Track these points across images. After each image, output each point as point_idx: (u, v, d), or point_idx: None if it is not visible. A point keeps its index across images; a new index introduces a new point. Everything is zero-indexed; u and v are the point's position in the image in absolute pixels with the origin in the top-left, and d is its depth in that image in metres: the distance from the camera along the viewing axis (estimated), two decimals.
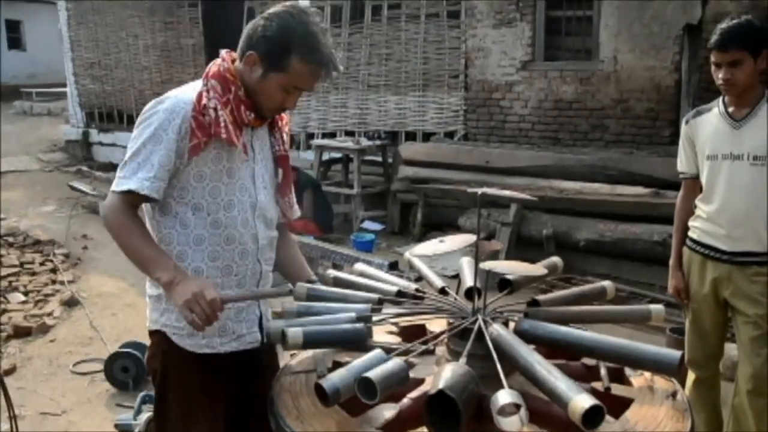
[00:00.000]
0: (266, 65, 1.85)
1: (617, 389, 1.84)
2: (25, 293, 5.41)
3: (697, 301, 2.84)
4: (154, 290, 1.94)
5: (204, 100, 1.83)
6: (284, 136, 2.08)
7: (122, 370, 3.84)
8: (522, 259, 2.36)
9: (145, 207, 1.92)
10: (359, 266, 2.42)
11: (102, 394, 3.87)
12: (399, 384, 1.64)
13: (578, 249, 5.68)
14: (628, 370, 1.94)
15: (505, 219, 6.11)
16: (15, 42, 24.40)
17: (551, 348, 1.88)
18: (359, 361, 1.70)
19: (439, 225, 6.92)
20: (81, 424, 3.56)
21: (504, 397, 1.49)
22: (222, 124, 1.83)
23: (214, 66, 1.91)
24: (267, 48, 1.83)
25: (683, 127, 2.85)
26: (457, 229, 6.67)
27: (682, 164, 2.89)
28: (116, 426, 3.40)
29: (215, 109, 1.83)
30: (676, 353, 1.67)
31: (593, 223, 5.72)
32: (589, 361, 1.92)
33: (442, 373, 1.56)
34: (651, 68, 6.54)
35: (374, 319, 1.99)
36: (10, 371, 4.14)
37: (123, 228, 1.81)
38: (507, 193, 1.92)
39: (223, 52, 1.95)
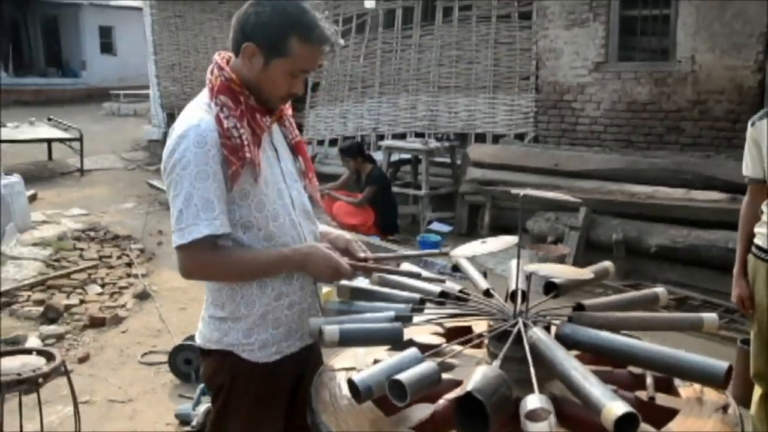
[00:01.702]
0: (267, 53, 1.77)
1: (663, 399, 1.77)
2: (102, 285, 5.65)
3: (763, 312, 2.71)
4: (217, 311, 1.91)
5: (225, 123, 1.76)
6: (291, 120, 2.04)
7: (185, 362, 3.96)
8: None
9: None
10: (405, 266, 2.42)
11: (166, 384, 4.00)
12: (430, 386, 1.62)
13: (649, 255, 5.50)
14: (677, 381, 1.87)
15: (573, 223, 5.98)
16: (107, 47, 25.66)
17: (593, 354, 1.83)
18: (393, 359, 1.70)
19: (506, 228, 6.83)
20: (145, 412, 3.69)
21: (533, 401, 1.46)
22: (246, 145, 1.77)
23: (214, 78, 1.83)
24: (264, 35, 1.76)
25: (749, 129, 2.73)
26: (524, 232, 6.58)
27: (747, 168, 2.77)
28: (176, 416, 3.51)
29: (236, 128, 1.77)
30: (723, 364, 1.60)
31: (665, 228, 5.52)
32: (637, 370, 1.86)
33: (473, 376, 1.55)
34: (732, 68, 6.27)
35: (414, 319, 1.99)
36: (84, 359, 4.34)
37: (223, 266, 1.82)
38: (549, 194, 1.88)
39: (217, 57, 1.87)
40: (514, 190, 1.93)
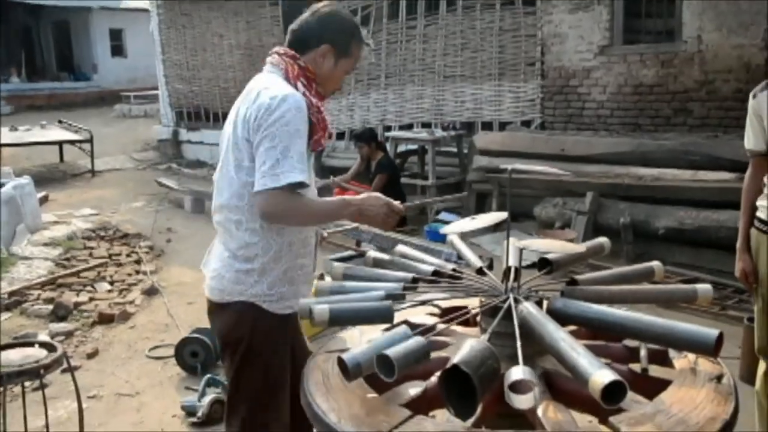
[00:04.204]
0: (337, 54, 2.15)
1: (656, 371, 1.75)
2: (111, 283, 5.69)
3: (766, 286, 2.66)
4: (245, 265, 2.11)
5: (313, 100, 2.09)
6: None
7: (191, 355, 3.97)
8: None
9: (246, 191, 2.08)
10: (400, 248, 2.41)
11: (173, 377, 4.02)
12: (418, 361, 1.61)
13: (657, 237, 5.45)
14: (672, 353, 1.85)
15: (581, 208, 5.94)
16: (117, 49, 25.83)
17: (584, 326, 1.82)
18: (383, 337, 1.69)
19: (515, 215, 6.79)
20: (151, 405, 3.71)
21: (516, 373, 1.44)
22: (328, 122, 2.16)
23: (290, 66, 2.13)
24: (338, 39, 2.14)
25: (750, 102, 2.70)
26: (532, 218, 6.55)
27: (749, 141, 2.74)
28: (182, 407, 3.53)
29: (318, 108, 2.11)
30: (713, 331, 1.58)
31: (673, 210, 5.47)
32: (631, 343, 1.84)
33: (461, 349, 1.54)
34: (739, 46, 6.19)
35: (406, 298, 1.98)
36: (93, 355, 4.38)
37: (302, 208, 2.06)
38: (538, 168, 1.87)
39: (280, 50, 2.18)
40: (503, 165, 1.92)
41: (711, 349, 1.55)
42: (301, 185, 2.00)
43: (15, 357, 2.63)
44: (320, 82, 2.16)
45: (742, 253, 2.76)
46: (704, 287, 1.90)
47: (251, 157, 2.03)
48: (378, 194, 2.17)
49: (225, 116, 2.30)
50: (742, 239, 2.78)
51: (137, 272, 5.97)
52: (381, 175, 6.89)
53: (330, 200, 2.19)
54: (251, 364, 2.16)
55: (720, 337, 1.56)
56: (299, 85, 2.11)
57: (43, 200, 8.70)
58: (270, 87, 2.05)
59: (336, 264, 2.21)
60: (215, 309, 2.20)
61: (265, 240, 2.11)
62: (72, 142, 11.93)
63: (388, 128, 9.00)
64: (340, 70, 2.19)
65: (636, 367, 1.75)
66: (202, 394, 3.46)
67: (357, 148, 7.33)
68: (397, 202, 2.18)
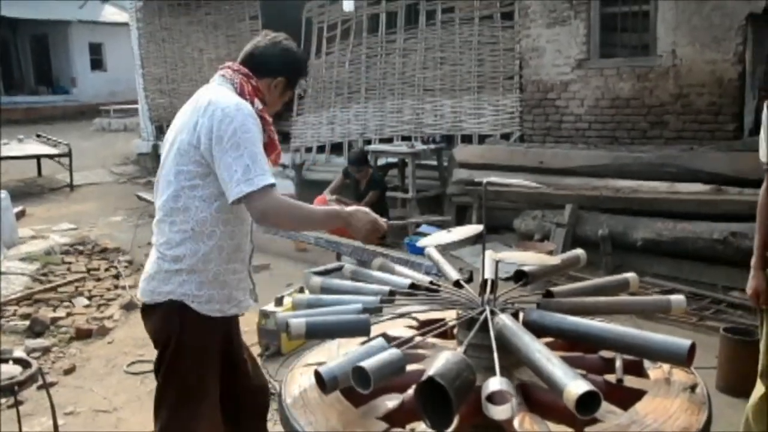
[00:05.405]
0: (286, 86, 2.33)
1: (631, 381, 1.77)
2: (89, 298, 5.62)
3: None
4: (173, 265, 2.17)
5: (267, 117, 2.23)
6: None
7: None
8: None
9: (200, 193, 2.15)
10: (378, 261, 2.42)
11: (152, 392, 3.92)
12: (394, 373, 1.62)
13: (636, 249, 5.50)
14: (647, 363, 1.87)
15: (560, 220, 5.98)
16: (97, 63, 25.66)
17: (560, 338, 1.84)
18: (359, 350, 1.70)
19: (495, 228, 6.83)
20: (129, 421, 3.67)
21: (494, 383, 1.45)
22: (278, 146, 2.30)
23: (244, 82, 2.22)
24: (292, 75, 2.33)
25: (765, 112, 2.54)
26: (512, 231, 6.58)
27: (764, 153, 2.56)
28: None
29: (271, 126, 2.25)
30: (686, 342, 1.60)
31: (651, 222, 5.53)
32: (607, 354, 1.86)
33: (436, 362, 1.54)
34: (712, 61, 6.29)
35: (384, 311, 1.99)
36: (70, 371, 4.32)
37: (290, 208, 2.13)
38: (512, 181, 1.89)
39: (234, 65, 2.28)
40: (478, 179, 1.93)
41: (683, 359, 1.58)
42: (273, 186, 2.07)
43: None
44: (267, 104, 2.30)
45: (757, 271, 2.60)
46: (677, 298, 1.93)
47: (195, 162, 2.11)
48: (367, 210, 2.23)
49: None
50: (758, 257, 2.62)
51: (116, 287, 5.90)
52: (374, 192, 6.88)
53: (321, 207, 2.32)
54: (179, 362, 2.20)
55: (692, 348, 1.58)
56: (256, 101, 2.21)
57: (21, 215, 8.61)
58: (220, 98, 2.13)
59: (314, 277, 2.21)
60: (147, 310, 2.26)
61: (193, 242, 2.16)
62: (50, 156, 11.82)
63: (368, 141, 9.02)
64: (282, 99, 2.36)
65: (611, 377, 1.76)
66: None
67: (355, 172, 7.06)
68: (383, 220, 2.25)
